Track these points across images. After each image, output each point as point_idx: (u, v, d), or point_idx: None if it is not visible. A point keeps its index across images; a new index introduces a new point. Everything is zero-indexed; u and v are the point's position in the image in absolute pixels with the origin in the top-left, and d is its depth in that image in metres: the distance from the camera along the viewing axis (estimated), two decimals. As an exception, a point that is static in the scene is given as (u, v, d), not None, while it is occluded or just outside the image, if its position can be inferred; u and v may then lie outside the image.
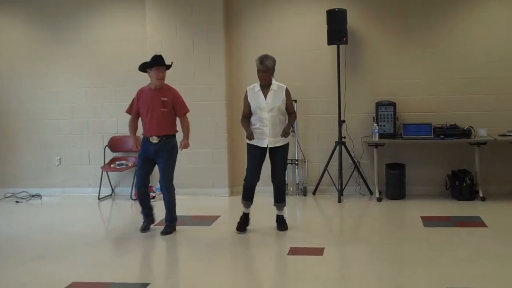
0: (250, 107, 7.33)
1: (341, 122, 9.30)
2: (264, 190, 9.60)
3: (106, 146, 10.14)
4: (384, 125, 9.18)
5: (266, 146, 7.32)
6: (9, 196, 10.27)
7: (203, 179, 9.84)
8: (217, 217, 8.28)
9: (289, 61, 9.53)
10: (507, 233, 7.17)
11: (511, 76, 9.24)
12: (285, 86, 7.41)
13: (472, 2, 9.37)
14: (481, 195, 8.89)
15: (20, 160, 10.59)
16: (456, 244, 6.71)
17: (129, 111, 7.79)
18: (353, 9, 9.35)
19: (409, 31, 9.44)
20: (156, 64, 7.52)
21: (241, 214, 7.58)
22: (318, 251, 6.51)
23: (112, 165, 9.95)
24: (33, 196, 10.28)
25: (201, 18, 9.68)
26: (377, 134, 9.07)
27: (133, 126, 7.84)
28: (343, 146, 9.32)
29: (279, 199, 7.57)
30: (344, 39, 9.12)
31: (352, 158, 9.40)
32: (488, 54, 9.28)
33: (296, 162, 9.73)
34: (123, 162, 9.93)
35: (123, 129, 10.05)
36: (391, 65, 9.51)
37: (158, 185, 9.62)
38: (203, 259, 6.51)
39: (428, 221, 7.68)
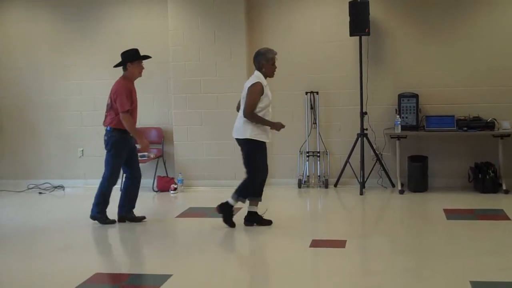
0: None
1: (363, 114, 9.25)
2: (286, 182, 9.64)
3: (128, 137, 10.18)
4: (406, 117, 9.13)
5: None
6: (32, 188, 10.34)
7: (224, 170, 9.84)
8: (239, 209, 8.28)
9: (311, 53, 9.51)
10: (531, 226, 7.12)
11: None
12: None
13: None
14: (504, 188, 8.82)
15: (42, 151, 10.68)
16: (479, 237, 6.66)
17: (129, 107, 7.69)
18: (376, 0, 9.30)
19: (431, 23, 9.36)
20: (143, 57, 7.75)
21: (251, 210, 7.46)
22: (340, 244, 6.50)
23: (134, 157, 9.97)
24: (56, 187, 10.36)
25: (223, 9, 9.67)
26: (400, 126, 9.02)
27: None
28: (365, 138, 9.28)
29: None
30: (367, 31, 9.06)
31: (374, 150, 9.36)
32: (510, 45, 9.18)
33: (318, 154, 9.71)
34: (145, 153, 9.89)
35: (145, 121, 10.12)
36: (414, 56, 9.45)
37: (180, 177, 9.69)
38: (225, 250, 6.54)
39: (451, 214, 7.63)
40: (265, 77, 7.21)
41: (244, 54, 9.66)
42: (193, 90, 9.82)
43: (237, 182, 9.71)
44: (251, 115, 7.07)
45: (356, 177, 9.36)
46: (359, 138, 9.26)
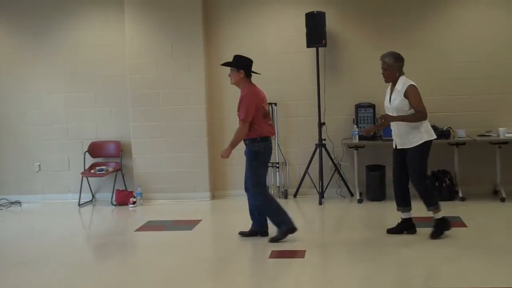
0: None
1: (321, 125, 9.33)
2: (245, 194, 9.63)
3: (86, 151, 10.09)
4: (364, 127, 9.20)
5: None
6: (-12, 203, 10.19)
7: (184, 183, 9.81)
8: (198, 221, 8.26)
9: (268, 64, 9.54)
10: (487, 232, 7.22)
11: (490, 77, 9.32)
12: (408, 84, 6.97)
13: (450, 3, 9.44)
14: (460, 195, 8.95)
15: (-1, 166, 10.52)
16: (437, 244, 6.73)
17: None
18: (332, 12, 9.39)
19: (387, 33, 9.48)
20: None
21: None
22: (300, 254, 6.52)
23: (92, 171, 9.90)
24: (12, 203, 10.20)
25: (180, 21, 9.67)
26: (357, 136, 9.11)
27: None
28: (323, 149, 9.34)
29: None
30: (323, 42, 9.15)
31: (332, 160, 9.43)
32: (466, 55, 9.36)
33: (277, 165, 9.74)
34: (103, 167, 9.88)
35: (103, 134, 10.07)
36: (370, 67, 9.49)
37: (139, 190, 9.63)
38: (185, 263, 6.49)
39: (409, 222, 7.70)
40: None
41: (202, 66, 9.66)
42: (151, 103, 9.78)
43: (196, 195, 9.73)
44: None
45: (315, 187, 9.41)
46: (318, 149, 9.32)
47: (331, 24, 9.34)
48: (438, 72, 9.39)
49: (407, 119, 6.87)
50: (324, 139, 9.38)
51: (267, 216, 7.20)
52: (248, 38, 9.76)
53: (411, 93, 6.85)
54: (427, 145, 6.88)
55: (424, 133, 6.85)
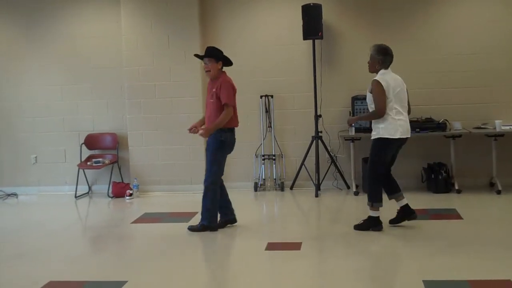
0: None
1: (317, 117, 9.33)
2: (242, 185, 9.66)
3: (83, 143, 10.09)
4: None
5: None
6: (-15, 196, 10.19)
7: (180, 175, 9.83)
8: (195, 213, 8.26)
9: (265, 56, 9.56)
10: (482, 225, 7.24)
11: (485, 69, 9.33)
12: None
13: (445, -4, 9.46)
14: (456, 187, 8.96)
15: (-5, 158, 10.52)
16: (432, 236, 6.75)
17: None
18: (328, 4, 9.39)
19: (383, 25, 9.49)
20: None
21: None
22: (296, 246, 6.53)
23: (88, 163, 9.90)
24: (9, 195, 10.21)
25: (176, 13, 9.66)
26: (354, 128, 9.12)
27: None
28: (319, 141, 9.35)
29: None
30: (320, 34, 9.14)
31: (329, 152, 9.44)
32: (462, 47, 9.37)
33: (274, 157, 9.75)
34: (100, 159, 9.88)
35: (99, 127, 10.09)
36: (366, 59, 9.42)
37: (135, 182, 9.64)
38: (180, 255, 6.50)
39: (405, 214, 7.72)
40: None
41: (198, 59, 9.63)
42: (148, 95, 9.78)
43: (192, 187, 9.75)
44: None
45: (312, 180, 9.42)
46: (314, 141, 9.33)
47: (328, 16, 9.34)
48: (434, 64, 9.40)
49: (363, 118, 7.54)
50: (321, 131, 9.39)
51: (203, 203, 7.26)
52: (245, 30, 9.76)
53: (373, 88, 6.89)
54: (383, 142, 6.89)
55: (382, 130, 6.85)
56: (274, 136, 9.74)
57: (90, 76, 10.10)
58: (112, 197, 9.73)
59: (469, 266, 5.69)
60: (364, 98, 9.20)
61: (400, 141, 6.94)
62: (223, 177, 7.42)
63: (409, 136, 6.98)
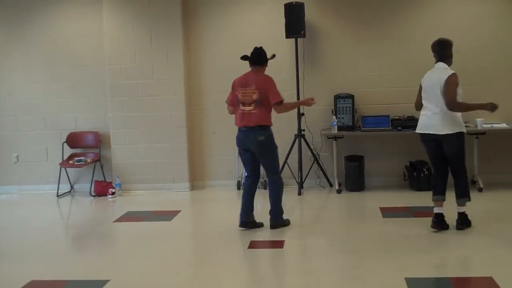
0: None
1: (300, 115, 9.34)
2: (224, 184, 9.65)
3: (64, 142, 10.03)
4: (342, 118, 9.25)
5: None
6: (-34, 195, 10.12)
7: (163, 174, 9.80)
8: (177, 211, 8.25)
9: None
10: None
11: (467, 68, 9.32)
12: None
13: (428, -5, 9.49)
14: (438, 185, 9.00)
15: (-24, 157, 10.44)
16: (415, 234, 6.77)
17: None
18: (311, 2, 9.40)
19: (365, 24, 9.52)
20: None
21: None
22: (278, 244, 6.54)
23: (70, 162, 9.85)
24: (-10, 194, 10.15)
25: (159, 11, 9.62)
26: (336, 126, 9.15)
27: None
28: (302, 139, 9.36)
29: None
30: (302, 32, 9.15)
31: (311, 150, 9.45)
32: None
33: (256, 156, 9.73)
34: (82, 158, 9.83)
35: (81, 125, 10.03)
36: (349, 58, 9.58)
37: (118, 181, 9.60)
38: (164, 254, 6.49)
39: (387, 212, 7.76)
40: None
41: (180, 56, 9.63)
42: (130, 93, 9.74)
43: (175, 185, 9.72)
44: (458, 104, 6.72)
45: (294, 178, 9.43)
46: (297, 139, 9.34)
47: (310, 14, 9.35)
48: (416, 63, 9.33)
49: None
50: (303, 130, 9.40)
51: (272, 198, 7.40)
52: (227, 29, 9.75)
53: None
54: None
55: None
56: (257, 135, 9.72)
57: (72, 75, 10.04)
58: (94, 196, 9.69)
59: (451, 264, 5.73)
60: (347, 97, 9.30)
61: (423, 137, 6.91)
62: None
63: (426, 132, 6.84)
